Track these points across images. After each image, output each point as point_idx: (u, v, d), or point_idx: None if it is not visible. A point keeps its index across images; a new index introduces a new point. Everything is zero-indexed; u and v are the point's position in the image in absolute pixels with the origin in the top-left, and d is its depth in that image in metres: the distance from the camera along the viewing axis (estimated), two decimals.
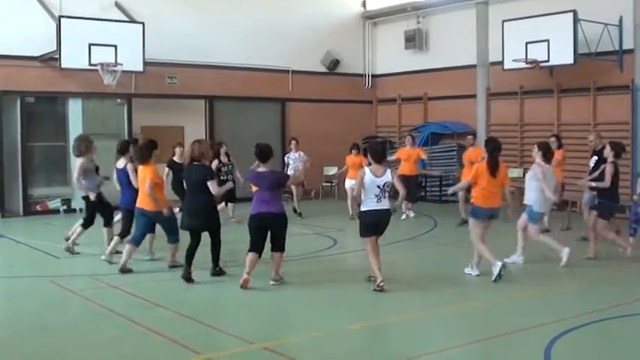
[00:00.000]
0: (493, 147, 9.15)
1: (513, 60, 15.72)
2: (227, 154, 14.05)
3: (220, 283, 8.89)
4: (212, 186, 8.85)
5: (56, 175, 16.33)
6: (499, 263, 8.78)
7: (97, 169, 10.90)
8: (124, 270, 9.30)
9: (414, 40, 19.38)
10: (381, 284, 8.28)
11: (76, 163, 10.81)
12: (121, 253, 9.67)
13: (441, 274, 9.49)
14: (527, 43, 15.44)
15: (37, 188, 16.06)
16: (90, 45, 15.02)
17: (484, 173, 9.05)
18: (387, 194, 8.46)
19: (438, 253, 11.29)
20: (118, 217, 10.78)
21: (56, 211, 16.03)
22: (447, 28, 18.92)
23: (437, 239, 12.49)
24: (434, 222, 14.35)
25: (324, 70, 20.13)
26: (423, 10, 19.35)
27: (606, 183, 10.12)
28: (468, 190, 9.96)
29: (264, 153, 8.63)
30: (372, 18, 20.87)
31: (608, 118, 15.33)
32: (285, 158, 15.38)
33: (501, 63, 16.26)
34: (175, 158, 13.29)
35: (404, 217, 14.57)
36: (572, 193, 13.75)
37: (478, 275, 9.04)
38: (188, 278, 8.76)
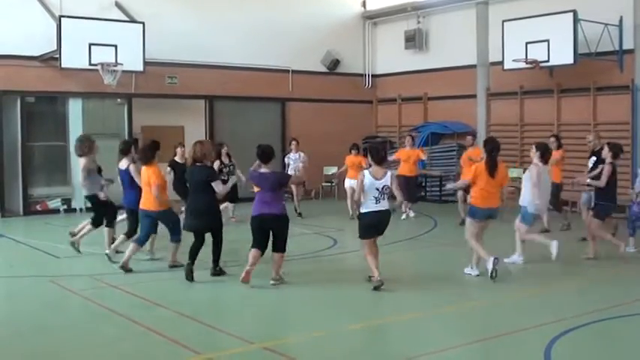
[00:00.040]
0: (492, 147, 9.15)
1: (513, 60, 15.72)
2: (228, 155, 14.05)
3: (220, 283, 8.90)
4: (216, 186, 8.91)
5: (56, 174, 16.33)
6: (491, 258, 8.80)
7: (99, 169, 10.90)
8: (125, 268, 9.30)
9: (414, 40, 19.38)
10: (378, 279, 8.31)
11: (79, 163, 10.78)
12: (122, 252, 9.69)
13: (441, 274, 9.49)
14: (527, 43, 15.44)
15: (37, 188, 16.06)
16: (90, 45, 15.02)
17: (483, 173, 9.05)
18: (385, 196, 8.47)
19: (438, 253, 11.29)
20: (121, 216, 10.84)
21: (56, 211, 16.04)
22: (447, 28, 18.91)
23: (437, 239, 12.49)
24: (434, 222, 14.35)
25: (324, 70, 20.13)
26: (423, 10, 19.35)
27: (601, 183, 10.15)
28: (467, 190, 9.96)
29: (265, 154, 8.66)
30: (372, 18, 20.87)
31: (608, 118, 15.33)
32: (286, 159, 15.38)
33: (501, 63, 16.26)
34: (177, 158, 13.30)
35: (404, 217, 14.57)
36: (572, 193, 13.77)
37: (478, 275, 9.04)
38: (190, 272, 8.76)
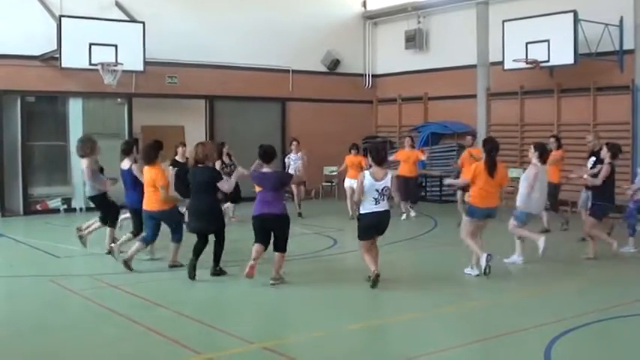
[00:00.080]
0: (491, 147, 9.18)
1: (513, 60, 15.72)
2: (229, 155, 14.07)
3: (221, 282, 8.90)
4: (222, 185, 9.01)
5: (56, 174, 16.34)
6: (484, 255, 8.85)
7: (101, 169, 10.91)
8: (128, 263, 9.30)
9: (415, 40, 19.38)
10: (375, 272, 8.36)
11: (81, 164, 10.77)
12: (125, 252, 9.73)
13: (441, 274, 9.49)
14: (527, 43, 15.44)
15: (38, 187, 16.06)
16: (90, 44, 15.01)
17: (482, 173, 9.07)
18: (385, 197, 8.47)
19: (438, 253, 11.29)
20: (124, 215, 10.88)
21: (56, 211, 16.04)
22: (447, 28, 18.91)
23: (437, 239, 12.49)
24: (434, 222, 14.35)
25: (324, 69, 20.13)
26: (424, 10, 19.35)
27: (597, 181, 10.17)
28: (466, 189, 9.97)
29: (267, 154, 8.71)
30: (373, 18, 20.87)
31: (608, 118, 15.33)
32: (286, 159, 15.38)
33: (502, 63, 16.26)
34: (177, 157, 13.33)
35: (404, 217, 14.58)
36: (571, 193, 13.78)
37: (478, 275, 9.04)
38: (192, 268, 8.78)
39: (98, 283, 8.87)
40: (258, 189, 8.91)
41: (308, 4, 19.66)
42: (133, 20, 16.23)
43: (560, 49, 14.93)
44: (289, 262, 9.19)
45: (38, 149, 16.06)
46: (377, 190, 8.38)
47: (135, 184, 9.94)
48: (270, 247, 8.71)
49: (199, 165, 9.02)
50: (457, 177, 11.78)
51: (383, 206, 8.47)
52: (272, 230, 8.63)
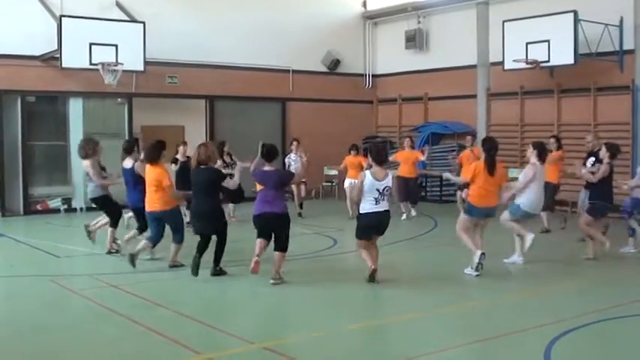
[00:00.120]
0: (490, 146, 9.23)
1: (514, 60, 15.72)
2: (229, 154, 14.08)
3: (221, 282, 8.90)
4: (227, 183, 9.13)
5: (57, 174, 16.35)
6: (478, 252, 8.90)
7: (103, 169, 10.92)
8: (133, 260, 9.32)
9: (415, 40, 19.38)
10: (372, 268, 8.42)
11: (83, 165, 10.76)
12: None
13: (441, 274, 9.49)
14: (527, 44, 15.44)
15: (38, 187, 16.07)
16: (91, 44, 15.03)
17: (482, 172, 9.09)
18: (385, 197, 8.48)
19: (438, 253, 11.29)
20: (129, 214, 10.96)
21: (57, 211, 16.05)
22: (447, 28, 18.92)
23: (437, 239, 12.49)
24: (434, 222, 14.35)
25: (324, 69, 20.13)
26: (424, 10, 19.35)
27: (594, 178, 10.21)
28: (466, 186, 9.98)
29: (270, 153, 8.77)
30: (373, 18, 20.87)
31: (609, 118, 15.33)
32: (287, 159, 15.38)
33: (502, 63, 16.27)
34: (178, 156, 13.36)
35: (404, 217, 14.58)
36: (571, 193, 13.79)
37: (478, 275, 9.04)
38: (196, 264, 8.81)
39: (98, 283, 8.87)
40: (259, 188, 8.94)
41: (308, 4, 19.67)
42: (133, 20, 16.24)
43: (560, 49, 14.94)
44: (289, 262, 9.20)
45: (38, 149, 16.07)
46: (378, 190, 8.39)
47: (136, 183, 9.96)
48: (271, 246, 8.73)
49: (202, 166, 9.04)
50: (457, 175, 11.76)
51: (383, 206, 8.48)
52: (273, 229, 8.65)
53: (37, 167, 16.12)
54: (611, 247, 10.39)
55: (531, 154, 9.82)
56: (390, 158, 14.59)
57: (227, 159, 13.95)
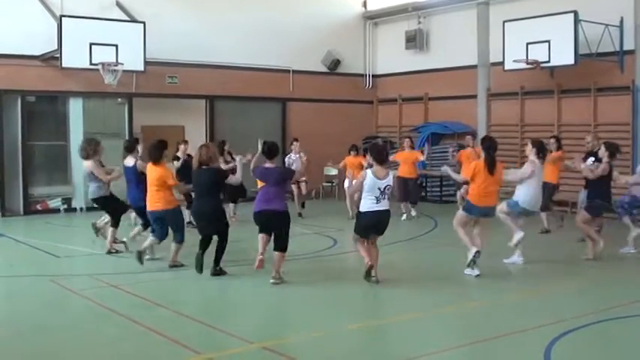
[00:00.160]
0: (489, 144, 9.25)
1: (514, 60, 15.71)
2: (230, 153, 14.09)
3: (221, 282, 8.90)
4: (231, 179, 9.25)
5: (57, 174, 16.33)
6: (474, 249, 8.92)
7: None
8: (140, 256, 9.35)
9: (415, 41, 19.37)
10: (369, 264, 8.46)
11: (85, 165, 10.75)
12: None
13: (441, 274, 9.49)
14: (527, 44, 15.43)
15: (38, 187, 16.06)
16: (91, 44, 15.02)
17: (482, 171, 9.09)
18: (386, 196, 8.49)
19: (438, 254, 11.28)
20: (133, 213, 11.06)
21: (56, 211, 16.04)
22: (447, 29, 18.91)
23: (437, 239, 12.49)
24: (434, 222, 14.35)
25: (324, 70, 20.13)
26: (424, 10, 19.34)
27: (591, 175, 10.23)
28: (466, 183, 10.00)
29: (271, 150, 8.81)
30: (373, 18, 20.87)
31: (609, 119, 15.33)
32: (287, 159, 15.39)
33: (502, 63, 16.25)
34: (179, 154, 13.39)
35: (404, 217, 14.58)
36: (571, 193, 13.78)
37: (478, 275, 9.04)
38: (200, 261, 8.85)
39: (98, 283, 8.87)
40: (259, 185, 8.96)
41: (308, 4, 19.66)
42: (133, 20, 16.24)
43: (560, 49, 14.93)
44: (289, 262, 9.20)
45: (38, 149, 16.06)
46: (379, 189, 8.40)
47: (138, 182, 9.98)
48: (271, 246, 8.73)
49: (203, 167, 9.05)
50: (457, 172, 11.77)
51: (383, 205, 8.48)
52: (272, 227, 8.67)
53: (37, 167, 16.11)
54: (612, 247, 10.41)
55: (530, 152, 9.83)
56: (390, 158, 14.61)
57: (227, 158, 13.97)
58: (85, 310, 7.74)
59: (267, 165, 8.79)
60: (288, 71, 19.35)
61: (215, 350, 6.30)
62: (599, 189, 10.25)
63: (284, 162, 15.28)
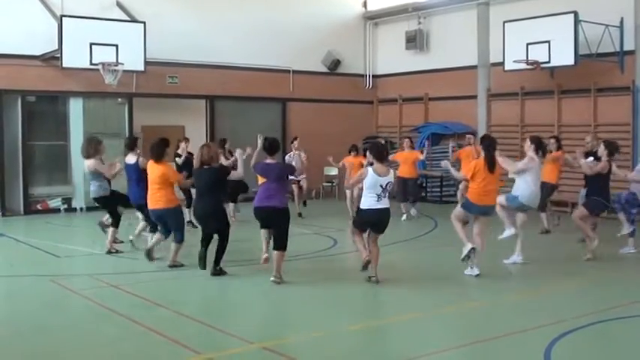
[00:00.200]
0: (489, 143, 9.26)
1: (514, 61, 15.72)
2: (230, 152, 14.10)
3: (221, 282, 8.90)
4: (233, 174, 9.35)
5: (57, 174, 16.34)
6: (469, 245, 8.94)
7: None
8: (150, 255, 9.40)
9: (415, 41, 19.38)
10: (366, 259, 8.56)
11: (87, 164, 10.75)
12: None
13: (441, 274, 9.49)
14: (528, 44, 15.44)
15: (38, 187, 16.06)
16: (91, 44, 15.03)
17: (482, 170, 9.10)
18: (387, 193, 8.50)
19: (438, 254, 11.27)
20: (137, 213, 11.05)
21: (57, 210, 16.04)
22: (447, 29, 18.92)
23: (437, 239, 12.48)
24: (434, 222, 14.34)
25: (324, 70, 20.13)
26: (424, 10, 19.34)
27: (589, 170, 10.26)
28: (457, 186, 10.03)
29: (272, 146, 8.88)
30: (373, 18, 20.87)
31: (609, 119, 15.33)
32: (287, 157, 15.39)
33: (502, 64, 16.26)
34: (179, 151, 13.41)
35: (404, 217, 14.58)
36: (570, 194, 13.78)
37: (478, 275, 9.04)
38: (203, 258, 8.93)
39: (98, 283, 8.87)
40: (260, 181, 8.97)
41: (308, 4, 19.67)
42: (133, 20, 16.24)
43: (560, 49, 14.93)
44: (289, 262, 9.20)
45: (39, 149, 16.07)
46: (381, 186, 8.40)
47: (139, 180, 10.00)
48: (270, 245, 8.73)
49: (205, 166, 9.06)
50: (457, 170, 11.79)
51: (384, 203, 8.49)
52: (271, 223, 8.70)
53: (38, 167, 16.11)
54: (612, 247, 10.40)
55: (528, 148, 9.83)
56: (390, 159, 14.61)
57: (228, 156, 13.98)
58: (85, 310, 7.73)
59: (268, 161, 8.84)
60: (288, 71, 19.35)
61: (215, 350, 6.30)
62: (598, 187, 10.26)
63: (284, 160, 15.28)
